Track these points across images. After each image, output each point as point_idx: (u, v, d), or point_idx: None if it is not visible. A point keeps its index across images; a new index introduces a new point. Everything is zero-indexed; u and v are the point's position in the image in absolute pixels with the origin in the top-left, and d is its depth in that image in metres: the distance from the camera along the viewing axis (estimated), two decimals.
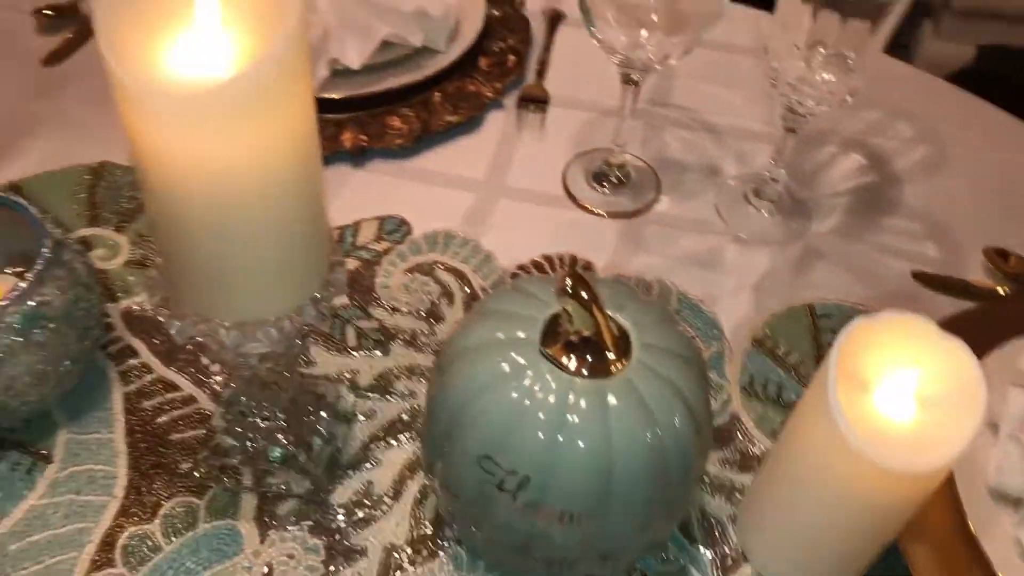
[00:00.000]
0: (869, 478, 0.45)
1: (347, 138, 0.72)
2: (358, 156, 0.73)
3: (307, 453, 0.54)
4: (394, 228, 0.68)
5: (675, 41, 0.64)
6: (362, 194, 0.70)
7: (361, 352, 0.60)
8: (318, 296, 0.44)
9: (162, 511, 0.52)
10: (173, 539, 0.51)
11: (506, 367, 0.46)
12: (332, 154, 0.72)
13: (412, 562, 0.51)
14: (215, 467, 0.54)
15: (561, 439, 0.44)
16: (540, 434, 0.44)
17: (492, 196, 0.72)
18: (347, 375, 0.59)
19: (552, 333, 0.46)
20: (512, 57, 0.81)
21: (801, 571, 0.52)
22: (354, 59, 0.73)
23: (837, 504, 0.48)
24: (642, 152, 0.76)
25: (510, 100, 0.80)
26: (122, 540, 0.51)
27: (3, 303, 0.49)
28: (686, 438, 0.46)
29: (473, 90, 0.78)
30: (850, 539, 0.49)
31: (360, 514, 0.53)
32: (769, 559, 0.53)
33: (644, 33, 0.64)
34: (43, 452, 0.54)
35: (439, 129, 0.75)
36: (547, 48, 0.85)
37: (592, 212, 0.72)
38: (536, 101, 0.80)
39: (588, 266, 0.67)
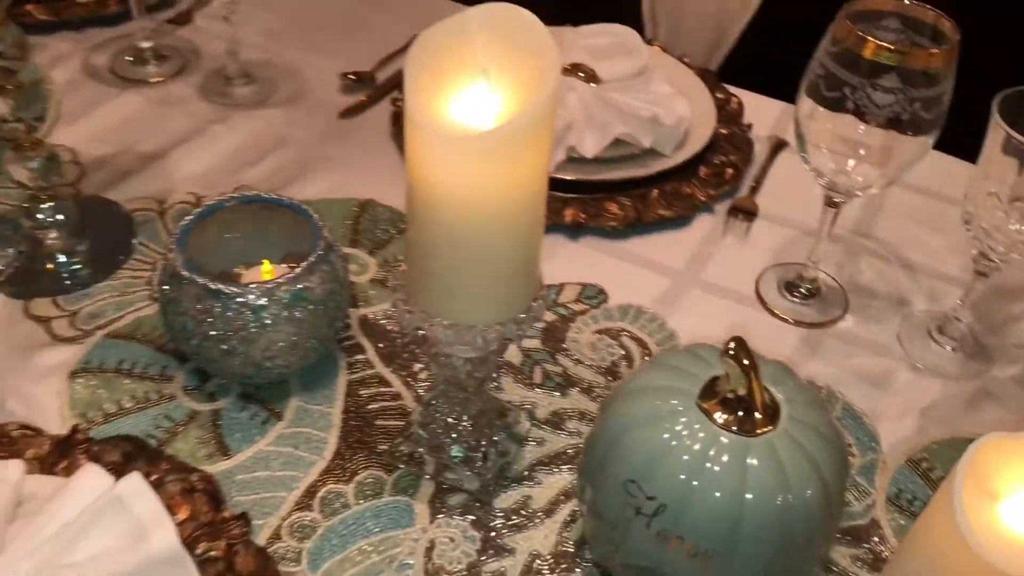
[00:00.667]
0: None
1: (569, 214, 0.83)
2: (575, 231, 0.83)
3: (483, 459, 0.63)
4: (593, 295, 0.77)
5: (879, 173, 0.70)
6: (571, 263, 0.80)
7: (543, 390, 0.69)
8: (519, 317, 0.54)
9: (357, 478, 0.62)
10: (361, 502, 0.61)
11: (663, 409, 0.53)
12: (553, 225, 0.82)
13: (551, 571, 0.58)
14: (406, 453, 0.63)
15: (697, 484, 0.50)
16: (681, 475, 0.51)
17: (686, 285, 0.79)
18: (528, 405, 0.68)
19: (711, 391, 0.53)
20: (730, 171, 0.89)
21: None
22: (588, 149, 0.85)
23: None
24: (836, 273, 0.82)
25: (721, 207, 0.88)
26: (321, 492, 0.61)
27: (279, 280, 0.62)
28: (816, 511, 0.51)
29: (688, 192, 0.87)
30: None
31: (515, 520, 0.61)
32: None
33: (851, 163, 0.70)
34: (277, 410, 0.66)
35: (650, 220, 0.84)
36: (764, 169, 0.93)
37: (778, 316, 0.78)
38: (745, 212, 0.87)
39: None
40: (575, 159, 0.86)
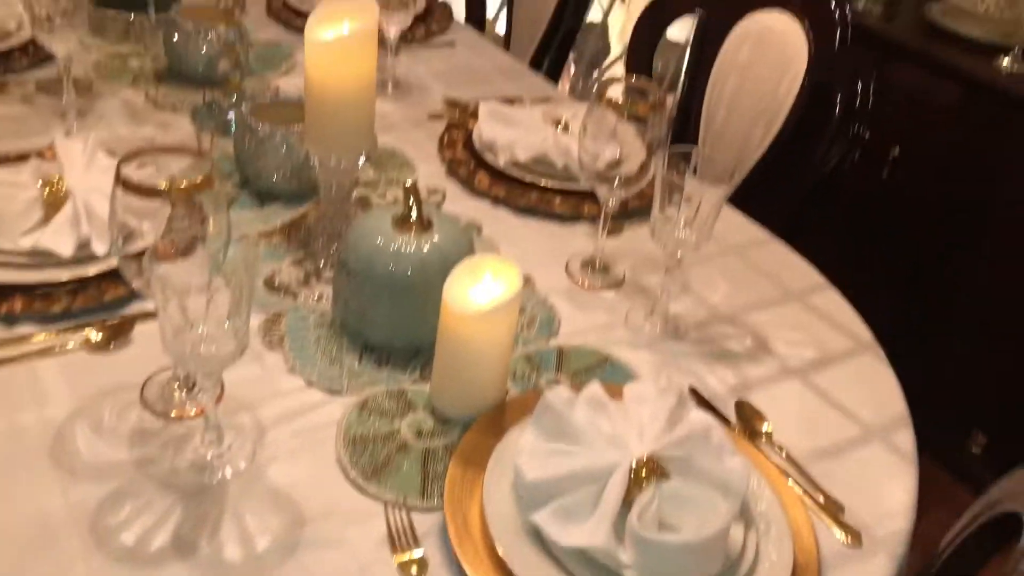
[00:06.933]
0: None
1: (495, 191, 1.31)
2: (495, 202, 1.31)
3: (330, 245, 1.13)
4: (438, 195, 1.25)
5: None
6: (477, 214, 1.28)
7: None
8: (363, 154, 1.06)
9: None
10: None
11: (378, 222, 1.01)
12: (484, 194, 1.31)
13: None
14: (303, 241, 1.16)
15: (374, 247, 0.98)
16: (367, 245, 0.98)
17: (535, 248, 1.23)
18: None
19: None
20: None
21: None
22: (520, 157, 1.32)
23: None
24: (633, 274, 1.20)
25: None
26: None
27: (279, 130, 1.19)
28: (417, 277, 0.96)
29: (583, 205, 1.30)
30: None
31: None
32: None
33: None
34: None
35: (546, 211, 1.29)
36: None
37: (571, 279, 1.18)
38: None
39: None
40: (521, 165, 1.33)
